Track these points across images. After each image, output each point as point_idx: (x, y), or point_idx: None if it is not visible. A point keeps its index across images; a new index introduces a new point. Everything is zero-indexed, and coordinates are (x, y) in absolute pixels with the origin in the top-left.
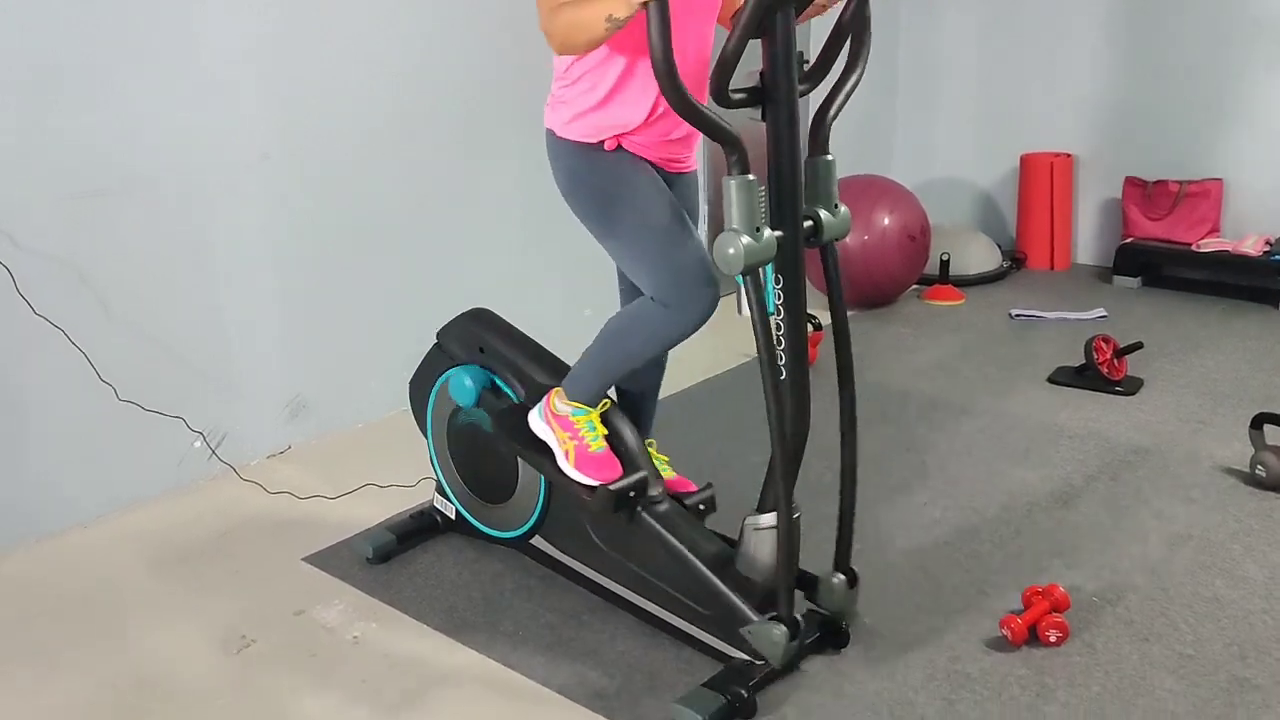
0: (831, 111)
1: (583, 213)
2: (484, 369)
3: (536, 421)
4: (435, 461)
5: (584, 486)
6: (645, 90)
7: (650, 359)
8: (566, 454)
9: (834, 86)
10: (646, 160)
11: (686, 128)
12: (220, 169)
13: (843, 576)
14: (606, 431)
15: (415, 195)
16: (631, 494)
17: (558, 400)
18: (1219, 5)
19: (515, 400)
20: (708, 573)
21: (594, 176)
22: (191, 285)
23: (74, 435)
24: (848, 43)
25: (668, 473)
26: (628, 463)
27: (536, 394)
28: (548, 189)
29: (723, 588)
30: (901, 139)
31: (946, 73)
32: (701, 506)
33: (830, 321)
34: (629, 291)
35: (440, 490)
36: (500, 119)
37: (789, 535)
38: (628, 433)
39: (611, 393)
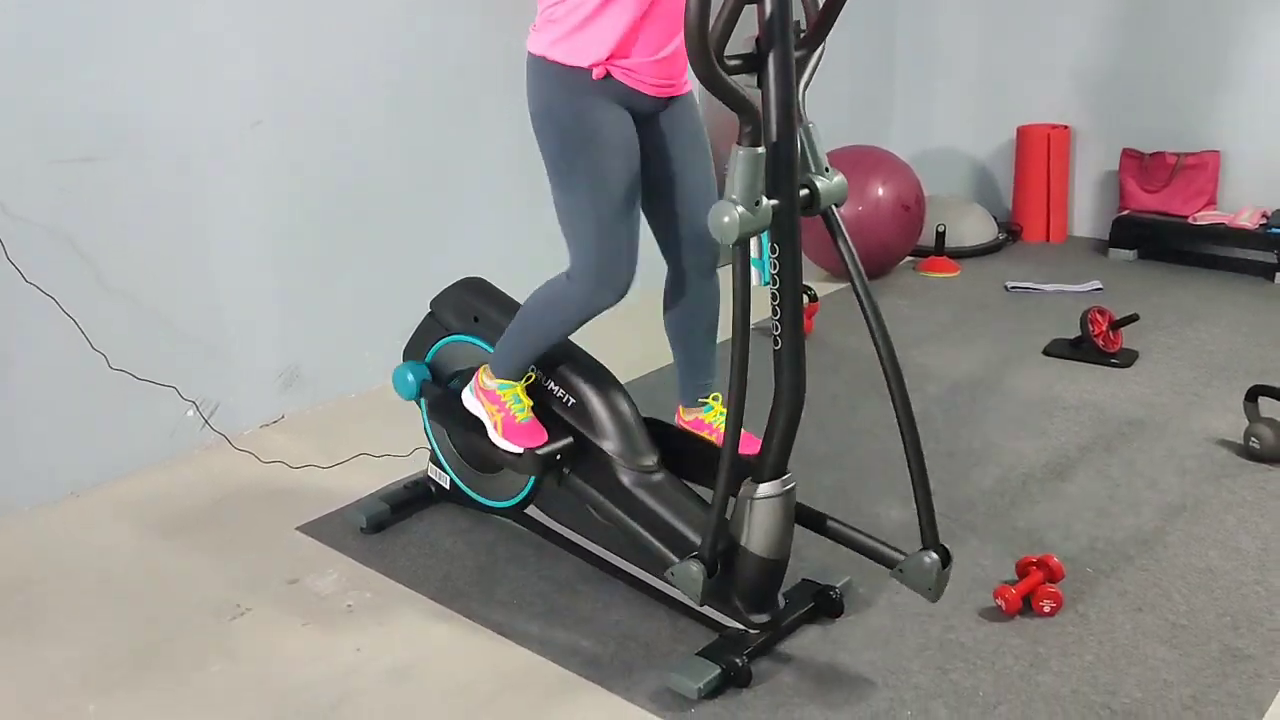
0: (804, 80)
1: (545, 149)
2: (422, 365)
3: (469, 398)
4: (429, 429)
5: (512, 453)
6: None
7: (565, 334)
8: (495, 425)
9: (800, 57)
10: (639, 93)
11: (675, 44)
12: (212, 135)
13: (935, 555)
14: (531, 403)
15: (409, 163)
16: (558, 457)
17: (485, 377)
18: None
19: None
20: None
21: (569, 119)
22: (184, 254)
23: (65, 404)
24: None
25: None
26: (559, 430)
27: None
28: (536, 154)
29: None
30: (899, 110)
31: (944, 44)
32: None
33: (856, 296)
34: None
35: (434, 460)
36: (493, 85)
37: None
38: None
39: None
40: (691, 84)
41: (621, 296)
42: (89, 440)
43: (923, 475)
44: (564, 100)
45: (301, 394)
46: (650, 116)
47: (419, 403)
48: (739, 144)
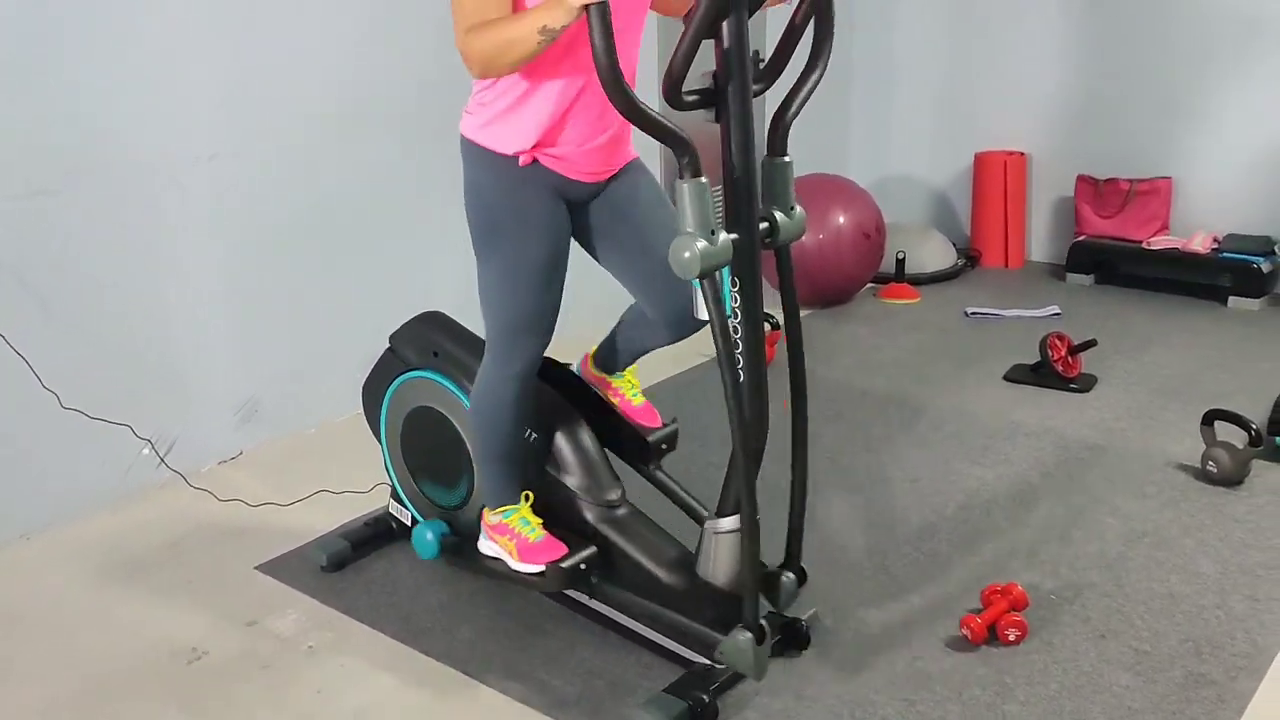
0: (791, 111)
1: (471, 225)
2: (439, 522)
3: (485, 544)
4: (390, 466)
5: (535, 575)
6: (554, 88)
7: (512, 418)
8: (510, 553)
9: (793, 87)
10: (570, 179)
11: (607, 134)
12: (168, 168)
13: (792, 575)
14: (541, 520)
15: (367, 194)
16: (582, 566)
17: (489, 515)
18: (1167, 6)
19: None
20: (668, 579)
21: (497, 201)
22: (139, 287)
23: (15, 445)
24: (809, 40)
25: (638, 399)
26: (573, 541)
27: None
28: None
29: (684, 591)
30: (856, 137)
31: (900, 71)
32: (664, 445)
33: (784, 324)
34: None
35: (395, 496)
36: (451, 116)
37: (752, 539)
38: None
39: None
40: (635, 152)
41: (529, 371)
42: (40, 481)
43: (802, 495)
44: (491, 183)
45: (260, 429)
46: (589, 197)
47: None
48: (680, 178)
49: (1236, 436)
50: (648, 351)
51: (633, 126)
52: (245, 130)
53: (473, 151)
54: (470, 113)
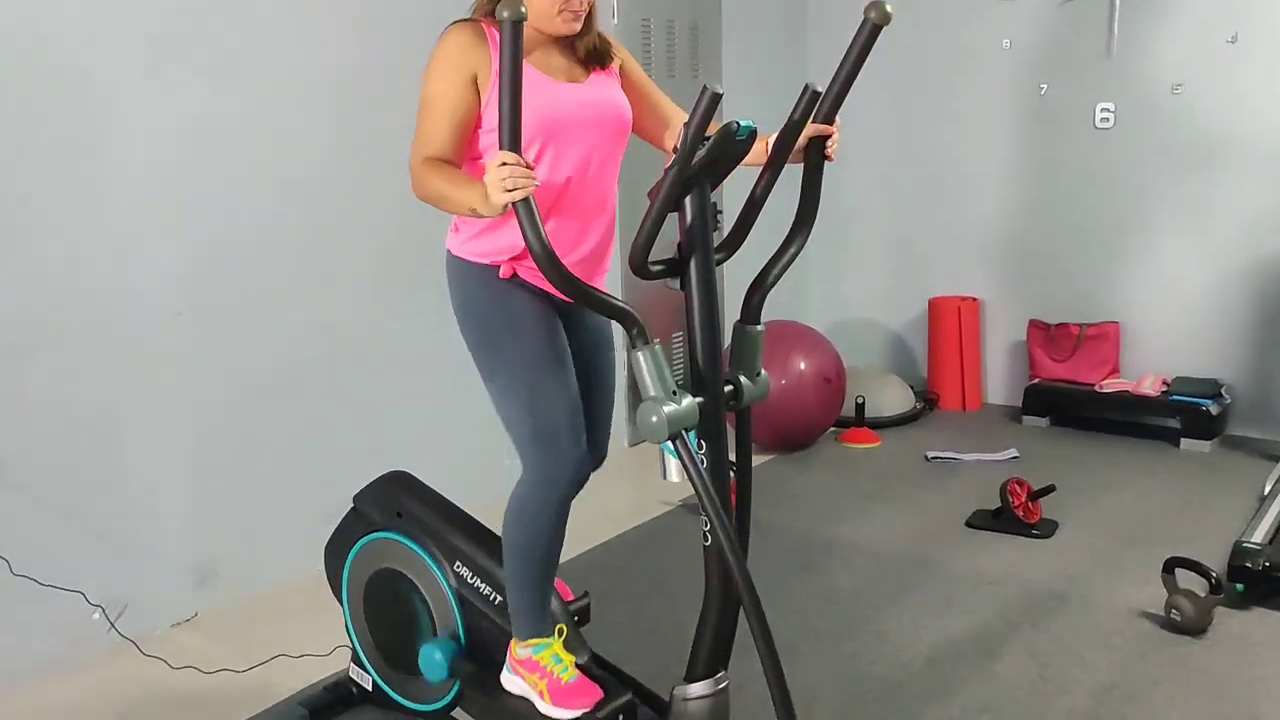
0: (769, 282)
1: (471, 346)
2: (450, 641)
3: (509, 679)
4: (351, 629)
5: None
6: (543, 209)
7: (548, 544)
8: (541, 694)
9: (773, 257)
10: (548, 293)
11: (581, 251)
12: (132, 327)
13: None
14: (574, 659)
15: (329, 352)
16: (621, 716)
17: (517, 647)
18: (1108, 161)
19: (437, 574)
20: None
21: (487, 308)
22: (96, 446)
23: None
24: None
25: (568, 674)
26: (609, 683)
27: (451, 557)
28: (460, 341)
29: None
30: (813, 283)
31: (855, 219)
32: (576, 618)
33: (735, 483)
34: None
35: (356, 660)
36: (412, 272)
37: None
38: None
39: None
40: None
41: (581, 475)
42: None
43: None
44: (479, 291)
45: (216, 590)
46: (565, 315)
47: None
48: (633, 349)
49: (1198, 583)
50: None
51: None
52: (209, 289)
53: (459, 265)
54: (455, 229)
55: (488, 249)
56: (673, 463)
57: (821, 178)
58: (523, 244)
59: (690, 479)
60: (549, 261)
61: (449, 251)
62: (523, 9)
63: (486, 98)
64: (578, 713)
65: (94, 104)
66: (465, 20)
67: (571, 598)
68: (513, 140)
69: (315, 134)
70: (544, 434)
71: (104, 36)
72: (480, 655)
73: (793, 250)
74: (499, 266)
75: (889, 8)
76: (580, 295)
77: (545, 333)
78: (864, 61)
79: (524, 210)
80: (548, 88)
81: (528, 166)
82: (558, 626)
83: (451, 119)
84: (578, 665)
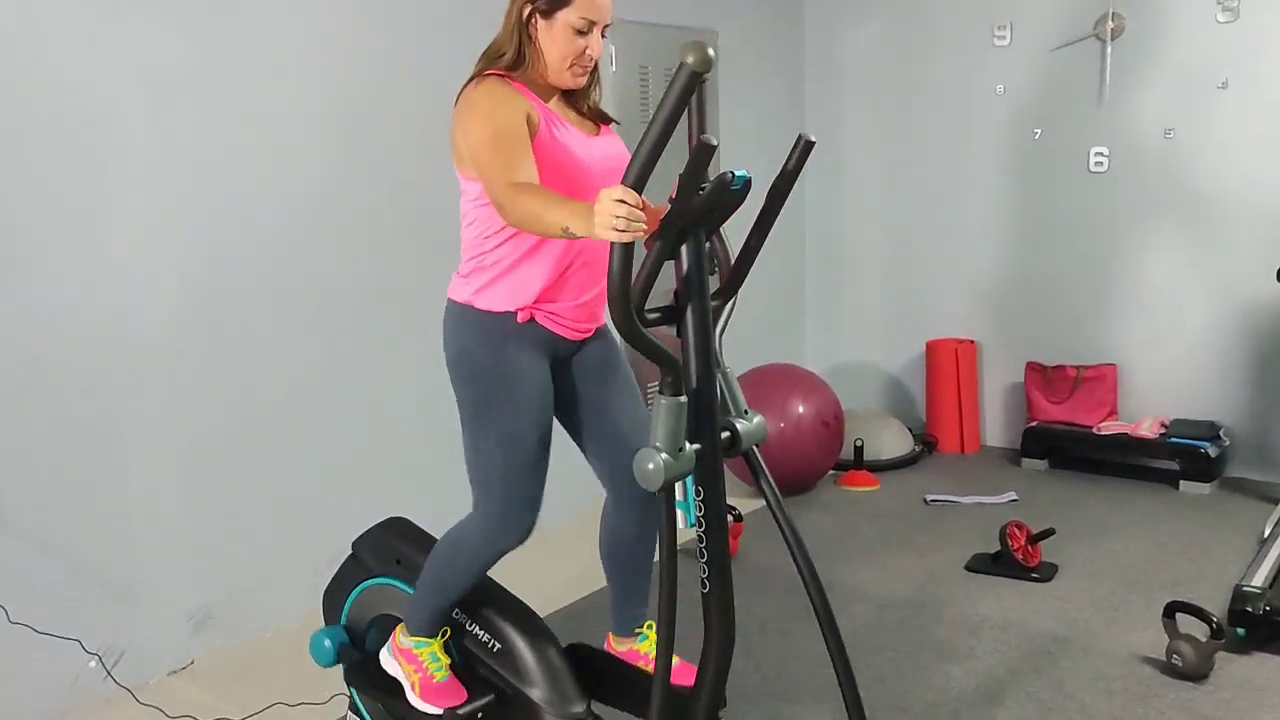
0: (719, 327)
1: (458, 393)
2: (339, 628)
3: (386, 659)
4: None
5: (431, 715)
6: (558, 245)
7: (471, 581)
8: (412, 686)
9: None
10: (559, 336)
11: (596, 289)
12: (126, 370)
13: None
14: (449, 660)
15: (327, 398)
16: (479, 716)
17: (401, 636)
18: (1103, 204)
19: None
20: None
21: (487, 366)
22: (93, 492)
23: None
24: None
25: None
26: (481, 686)
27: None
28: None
29: None
30: (811, 327)
31: (852, 263)
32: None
33: (779, 525)
34: (611, 481)
35: (354, 708)
36: (414, 314)
37: None
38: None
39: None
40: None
41: (522, 541)
42: None
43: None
44: (481, 347)
45: (213, 636)
46: (568, 356)
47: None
48: (661, 393)
49: (1199, 628)
50: (643, 569)
51: None
52: (207, 331)
53: (464, 315)
54: (464, 277)
55: (504, 298)
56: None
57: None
58: (546, 285)
59: (660, 529)
60: (622, 305)
61: (451, 300)
62: (711, 53)
63: (540, 133)
64: (440, 710)
65: (94, 129)
66: (489, 75)
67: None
68: (639, 181)
69: (318, 167)
70: (509, 509)
71: (104, 63)
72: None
73: (732, 303)
74: (514, 314)
75: (710, 52)
76: (637, 338)
77: (539, 409)
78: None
79: (621, 251)
80: (581, 140)
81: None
82: (443, 628)
83: (527, 144)
84: (574, 714)
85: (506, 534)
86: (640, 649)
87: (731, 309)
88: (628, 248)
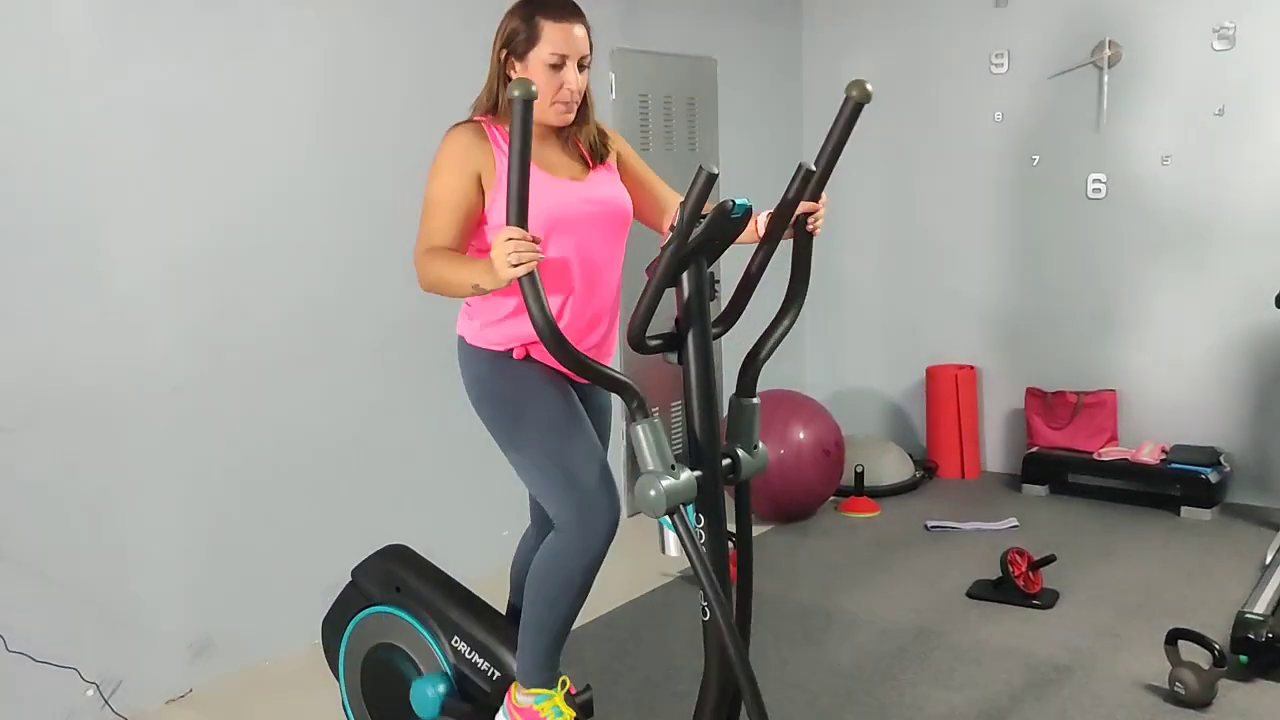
0: (762, 355)
1: (489, 420)
2: (445, 676)
3: None
4: (347, 706)
5: None
6: (556, 301)
7: (575, 598)
8: None
9: (766, 331)
10: (559, 372)
11: (594, 339)
12: (131, 401)
13: None
14: (575, 713)
15: (328, 425)
16: None
17: (518, 694)
18: (1101, 230)
19: (435, 649)
20: None
21: (499, 382)
22: (93, 521)
23: None
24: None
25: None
26: None
27: (449, 633)
28: (458, 414)
29: None
30: (811, 353)
31: (852, 289)
32: (578, 714)
33: (736, 558)
34: (536, 508)
35: None
36: (412, 347)
37: None
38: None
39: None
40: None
41: (614, 527)
42: None
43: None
44: (490, 369)
45: (212, 664)
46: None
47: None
48: (633, 421)
49: (1201, 655)
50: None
51: (615, 331)
52: (207, 364)
53: (471, 352)
54: (468, 316)
55: (501, 338)
56: (671, 537)
57: (810, 252)
58: (528, 341)
59: (689, 557)
60: (550, 333)
61: (461, 338)
62: (533, 88)
63: (492, 196)
64: None
65: (95, 185)
66: (466, 122)
67: (574, 691)
68: (520, 216)
69: (320, 214)
70: (575, 490)
71: (105, 117)
72: None
73: (786, 323)
74: (512, 350)
75: (869, 87)
76: (581, 368)
77: (560, 395)
78: (847, 139)
79: (529, 284)
80: (552, 185)
81: (534, 240)
82: (561, 678)
83: (455, 214)
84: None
85: (591, 526)
86: (542, 711)
87: (786, 330)
88: (534, 283)
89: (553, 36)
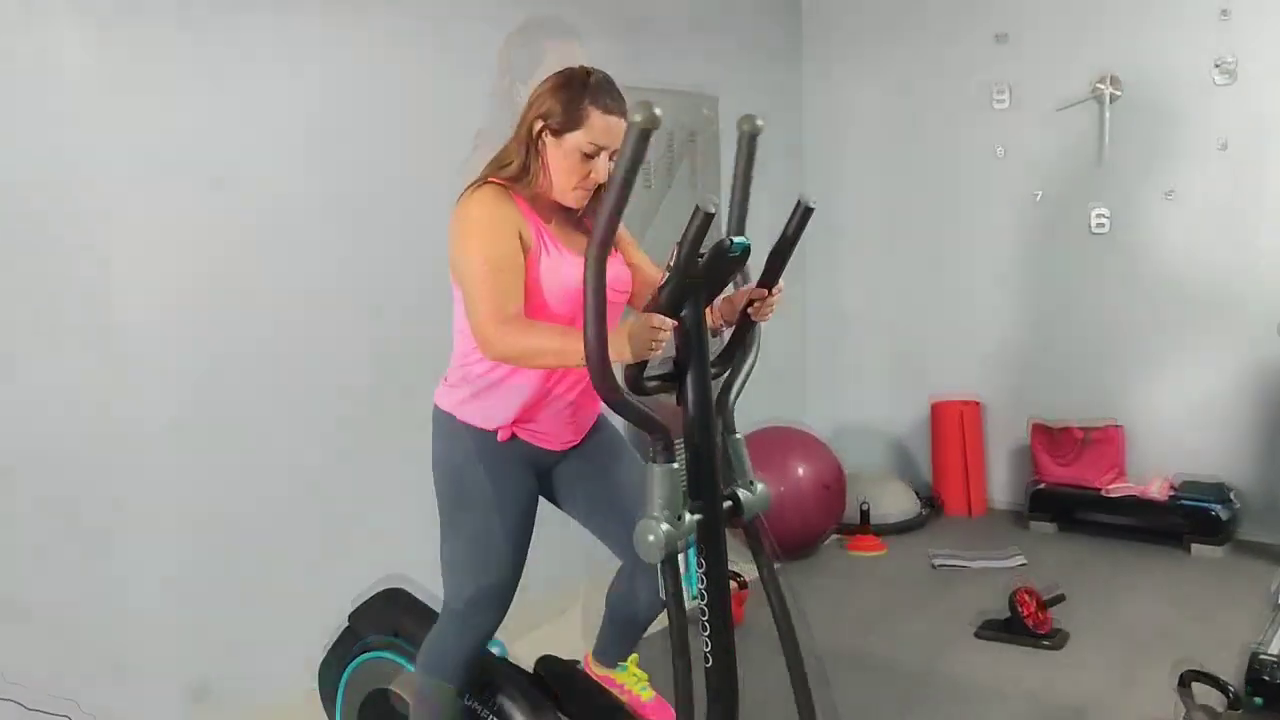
0: (732, 395)
1: (438, 494)
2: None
3: None
4: None
5: None
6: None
7: (459, 687)
8: None
9: (730, 372)
10: (543, 449)
11: (578, 400)
12: (123, 441)
13: None
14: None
15: (326, 466)
16: None
17: None
18: (1105, 264)
19: None
20: None
21: (464, 466)
22: (87, 565)
23: None
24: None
25: (647, 693)
26: None
27: None
28: None
29: None
30: (813, 388)
31: (855, 324)
32: None
33: (769, 601)
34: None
35: None
36: (413, 391)
37: None
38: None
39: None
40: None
41: (487, 639)
42: None
43: None
44: (462, 455)
45: (207, 709)
46: (561, 458)
47: None
48: (653, 461)
49: (1215, 696)
50: (642, 628)
51: None
52: (204, 404)
53: (450, 424)
54: (451, 386)
55: (485, 416)
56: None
57: (753, 335)
58: (526, 404)
59: (668, 604)
60: (602, 377)
61: (438, 408)
62: (658, 114)
63: (530, 261)
64: None
65: (90, 223)
66: (485, 184)
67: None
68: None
69: (316, 253)
70: (477, 604)
71: (99, 151)
72: None
73: (750, 361)
74: (496, 432)
75: (759, 121)
76: (624, 407)
77: (517, 512)
78: (751, 173)
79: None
80: (571, 262)
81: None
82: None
83: (518, 275)
84: None
85: (467, 633)
86: (617, 678)
87: (746, 376)
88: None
89: (597, 126)
